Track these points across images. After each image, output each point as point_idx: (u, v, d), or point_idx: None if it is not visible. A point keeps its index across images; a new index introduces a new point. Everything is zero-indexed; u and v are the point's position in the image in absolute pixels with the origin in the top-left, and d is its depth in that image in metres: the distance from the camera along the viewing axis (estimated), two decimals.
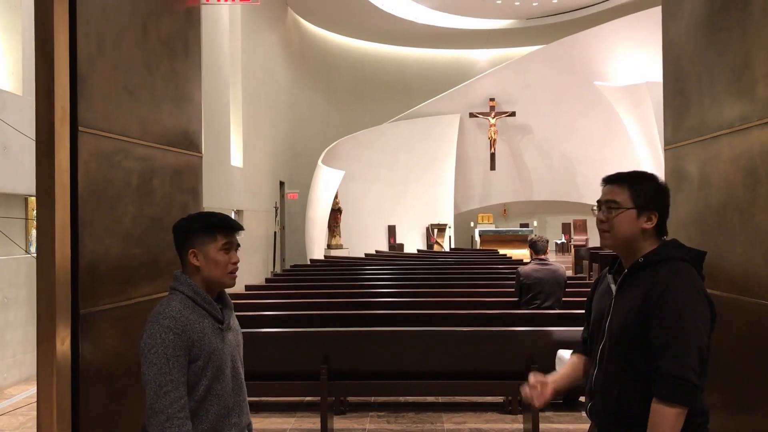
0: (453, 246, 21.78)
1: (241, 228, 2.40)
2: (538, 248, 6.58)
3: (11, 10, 7.55)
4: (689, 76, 3.19)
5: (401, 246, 21.41)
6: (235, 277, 2.35)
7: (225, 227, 2.34)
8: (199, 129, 3.64)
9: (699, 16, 3.11)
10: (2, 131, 6.95)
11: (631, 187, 2.14)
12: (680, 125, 3.28)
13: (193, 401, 2.19)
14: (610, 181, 2.20)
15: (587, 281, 10.68)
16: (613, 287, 2.19)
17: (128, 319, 2.90)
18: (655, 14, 18.32)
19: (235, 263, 2.34)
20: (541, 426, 5.29)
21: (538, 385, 2.30)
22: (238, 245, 2.39)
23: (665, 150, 3.42)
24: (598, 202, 2.21)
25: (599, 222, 2.19)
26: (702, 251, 2.14)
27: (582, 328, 2.48)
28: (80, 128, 2.62)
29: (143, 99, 3.08)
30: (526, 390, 2.30)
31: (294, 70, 23.19)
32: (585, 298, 7.50)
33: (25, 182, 7.23)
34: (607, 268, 2.30)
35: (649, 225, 2.12)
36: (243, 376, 2.42)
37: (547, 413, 5.89)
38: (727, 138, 2.90)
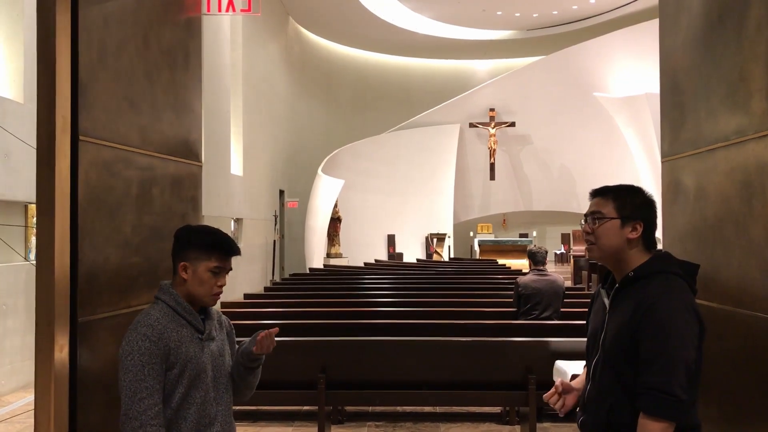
0: (452, 256, 21.79)
1: (238, 253, 2.38)
2: (537, 259, 6.60)
3: (13, 18, 7.59)
4: (686, 90, 3.22)
5: (400, 255, 21.41)
6: (218, 298, 2.36)
7: (222, 250, 2.33)
8: (199, 138, 3.66)
9: (695, 31, 3.14)
10: (3, 139, 6.97)
11: (616, 199, 2.17)
12: (677, 138, 3.30)
13: (170, 409, 2.23)
14: (595, 194, 2.25)
15: (586, 292, 10.69)
16: (607, 302, 2.19)
17: (126, 328, 2.90)
18: (654, 26, 18.30)
19: (221, 286, 2.35)
20: None
21: (564, 394, 2.30)
22: (230, 269, 2.39)
23: (662, 162, 3.45)
24: (584, 215, 2.24)
25: (585, 234, 2.22)
26: (694, 264, 2.15)
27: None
28: (81, 137, 2.64)
29: (144, 108, 3.10)
30: (553, 398, 2.30)
31: (294, 79, 23.26)
32: (584, 309, 7.53)
33: (25, 189, 7.25)
34: (601, 283, 2.30)
35: (634, 235, 2.13)
36: (228, 386, 2.42)
37: (545, 424, 5.89)
38: (723, 151, 2.92)
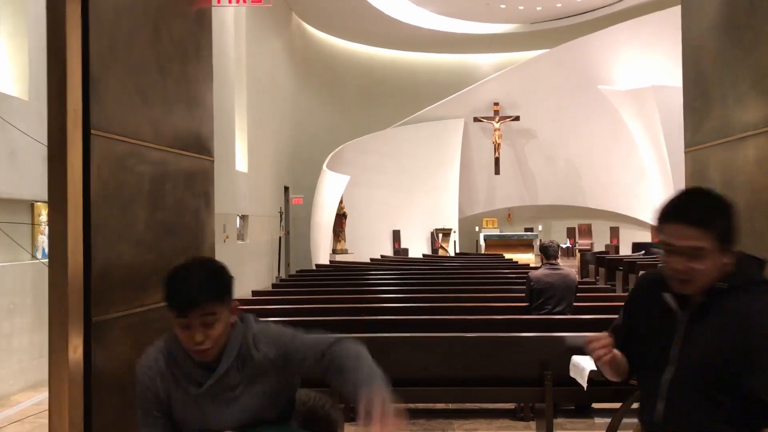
0: (458, 250, 21.72)
1: (197, 305, 1.92)
2: (549, 253, 6.53)
3: (17, 14, 7.52)
4: (711, 77, 3.14)
5: (406, 251, 21.35)
6: (205, 354, 1.96)
7: (174, 306, 1.96)
8: (211, 133, 3.60)
9: (721, 16, 3.06)
10: (9, 136, 6.91)
11: (716, 228, 1.80)
12: (701, 127, 3.22)
13: None
14: (686, 220, 1.81)
15: (597, 286, 10.60)
16: (676, 308, 1.92)
17: (140, 327, 2.84)
18: (661, 18, 18.31)
19: (199, 343, 1.93)
20: None
21: (607, 344, 1.97)
22: (210, 320, 1.94)
23: (686, 152, 3.37)
24: (666, 244, 1.84)
25: (676, 271, 1.84)
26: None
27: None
28: (93, 131, 2.56)
29: (156, 102, 3.03)
30: (593, 343, 1.97)
31: (298, 74, 23.18)
32: (597, 303, 7.38)
33: (32, 187, 7.18)
34: (643, 280, 2.04)
35: (730, 259, 1.84)
36: None
37: (560, 420, 5.81)
38: (753, 140, 2.84)
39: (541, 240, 21.68)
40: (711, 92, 3.14)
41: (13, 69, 7.51)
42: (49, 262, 2.49)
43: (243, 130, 16.17)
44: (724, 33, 3.04)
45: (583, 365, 4.51)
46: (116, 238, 2.73)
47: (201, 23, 3.52)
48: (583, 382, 4.45)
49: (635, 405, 4.74)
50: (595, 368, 4.34)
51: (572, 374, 4.71)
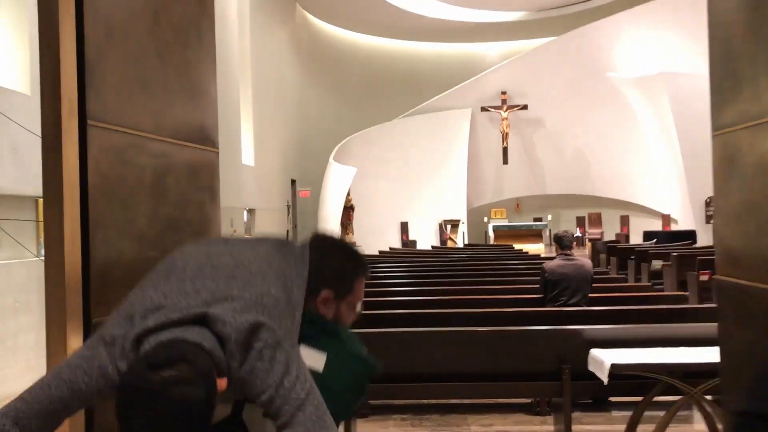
0: (467, 242, 21.56)
1: None
2: (563, 243, 6.37)
3: (17, 8, 7.40)
4: (741, 56, 2.96)
5: (414, 243, 21.20)
6: None
7: None
8: (215, 123, 3.45)
9: None
10: (12, 133, 6.80)
11: None
12: (731, 109, 3.05)
13: None
14: None
15: (609, 276, 10.42)
16: None
17: None
18: (669, 3, 18.01)
19: None
20: (572, 427, 5.06)
21: None
22: None
23: (713, 136, 3.19)
24: None
25: None
26: None
27: None
28: (89, 122, 2.42)
29: (156, 91, 2.88)
30: None
31: (303, 67, 23.02)
32: (613, 294, 7.17)
33: (35, 184, 7.05)
34: None
35: None
36: None
37: (577, 414, 5.67)
38: None
39: (550, 230, 21.60)
40: (741, 72, 2.97)
41: (15, 64, 7.40)
42: (45, 260, 2.36)
43: (249, 123, 16.05)
44: (755, 8, 2.87)
45: (602, 358, 4.36)
46: (116, 235, 2.59)
47: (203, 8, 3.37)
48: (604, 377, 4.30)
49: (656, 398, 4.60)
50: (616, 362, 4.21)
51: (591, 368, 4.57)
